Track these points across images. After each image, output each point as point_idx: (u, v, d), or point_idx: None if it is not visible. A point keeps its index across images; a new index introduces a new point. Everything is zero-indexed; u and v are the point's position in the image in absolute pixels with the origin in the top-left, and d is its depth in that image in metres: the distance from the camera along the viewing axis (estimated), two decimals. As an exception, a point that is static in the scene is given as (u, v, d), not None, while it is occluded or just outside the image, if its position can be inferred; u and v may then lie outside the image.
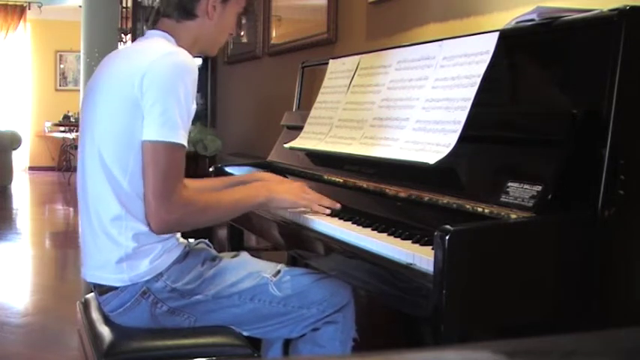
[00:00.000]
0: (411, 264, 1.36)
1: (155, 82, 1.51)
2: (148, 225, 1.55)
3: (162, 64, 1.53)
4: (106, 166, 1.55)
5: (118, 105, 1.55)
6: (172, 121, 1.51)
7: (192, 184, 1.75)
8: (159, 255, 1.57)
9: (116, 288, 1.59)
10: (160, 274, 1.58)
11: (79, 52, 8.55)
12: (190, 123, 1.57)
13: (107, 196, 1.56)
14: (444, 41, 1.73)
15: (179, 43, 1.66)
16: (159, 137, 1.51)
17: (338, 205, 1.77)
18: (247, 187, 1.80)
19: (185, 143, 1.54)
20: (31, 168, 11.00)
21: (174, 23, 1.68)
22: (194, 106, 1.58)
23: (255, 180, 1.91)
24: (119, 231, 1.55)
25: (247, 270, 1.66)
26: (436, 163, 1.52)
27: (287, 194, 1.75)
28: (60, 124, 10.17)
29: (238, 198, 1.69)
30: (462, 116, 1.53)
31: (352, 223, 1.67)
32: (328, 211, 1.74)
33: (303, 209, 1.80)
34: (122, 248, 1.56)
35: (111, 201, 1.55)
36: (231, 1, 1.73)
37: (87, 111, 1.64)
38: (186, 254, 1.64)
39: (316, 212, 1.75)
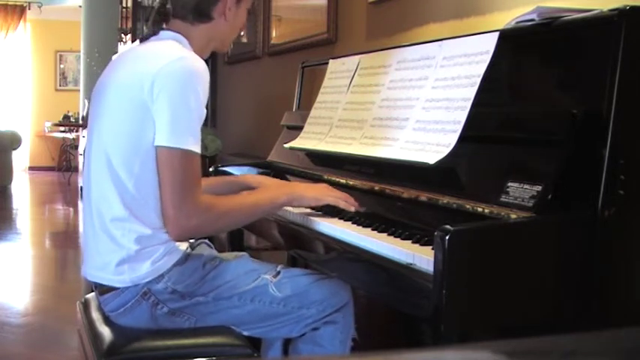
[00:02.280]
0: (411, 264, 1.36)
1: (166, 87, 1.50)
2: (167, 232, 1.55)
3: (173, 70, 1.52)
4: (112, 168, 1.55)
5: (126, 107, 1.54)
6: (184, 128, 1.51)
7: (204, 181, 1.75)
8: (160, 257, 1.57)
9: (117, 288, 1.59)
10: (161, 276, 1.58)
11: (79, 52, 8.57)
12: (200, 128, 1.56)
13: (111, 197, 1.55)
14: (444, 41, 1.73)
15: (192, 45, 1.66)
16: (173, 144, 1.51)
17: (362, 209, 1.74)
18: (265, 189, 1.80)
19: (198, 150, 1.54)
20: (31, 168, 11.01)
21: (188, 25, 1.67)
22: (204, 111, 1.58)
23: (256, 182, 1.90)
24: (122, 233, 1.55)
25: (247, 271, 1.66)
26: (436, 163, 1.52)
27: (310, 192, 1.75)
28: (60, 124, 10.17)
29: (257, 201, 1.68)
30: (462, 116, 1.53)
31: (352, 223, 1.67)
32: (353, 209, 1.72)
33: (303, 210, 1.80)
34: (124, 250, 1.55)
35: (115, 202, 1.55)
36: (243, 0, 1.73)
37: (95, 110, 1.64)
38: (187, 256, 1.64)
39: (345, 207, 1.72)
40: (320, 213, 1.80)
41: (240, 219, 1.70)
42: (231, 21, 1.71)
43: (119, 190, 1.55)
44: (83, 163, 1.68)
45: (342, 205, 1.73)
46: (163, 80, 1.51)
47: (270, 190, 1.77)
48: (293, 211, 1.83)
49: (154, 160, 1.53)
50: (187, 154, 1.52)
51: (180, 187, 1.52)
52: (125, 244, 1.55)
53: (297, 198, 1.73)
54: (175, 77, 1.52)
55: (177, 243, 1.62)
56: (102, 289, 1.63)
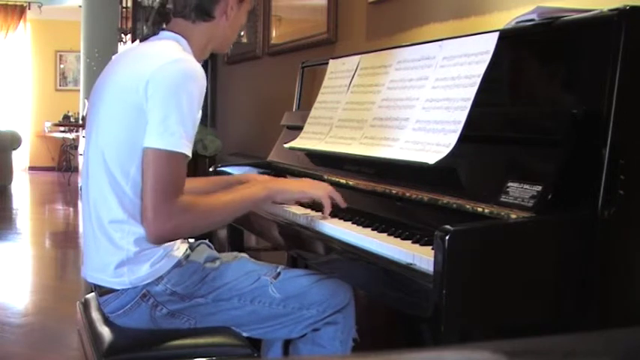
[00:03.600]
0: (411, 264, 1.36)
1: (159, 88, 1.49)
2: (145, 234, 1.52)
3: (168, 71, 1.50)
4: (109, 170, 1.54)
5: (122, 109, 1.53)
6: (173, 129, 1.48)
7: (196, 182, 1.74)
8: (160, 258, 1.57)
9: (116, 290, 1.59)
10: (161, 278, 1.57)
11: (79, 52, 8.57)
12: (195, 131, 1.55)
13: (109, 199, 1.54)
14: (444, 41, 1.73)
15: (192, 45, 1.65)
16: (159, 145, 1.48)
17: (344, 204, 1.74)
18: (244, 186, 1.76)
19: (187, 152, 1.51)
20: (31, 168, 11.01)
21: (189, 24, 1.66)
22: (199, 114, 1.56)
23: (245, 179, 1.89)
24: (121, 235, 1.54)
25: (247, 272, 1.66)
26: (436, 163, 1.52)
27: (295, 186, 1.74)
28: (60, 124, 10.17)
29: (238, 198, 1.65)
30: (462, 116, 1.53)
31: (352, 223, 1.67)
32: (328, 213, 1.71)
33: (303, 211, 1.80)
34: (123, 252, 1.55)
35: (113, 205, 1.54)
36: (246, 0, 1.73)
37: (93, 111, 1.63)
38: (187, 257, 1.63)
39: (326, 207, 1.71)
40: (320, 214, 1.79)
41: (220, 218, 1.66)
42: (232, 21, 1.70)
43: (116, 193, 1.54)
44: (82, 163, 1.67)
45: (325, 203, 1.70)
46: (157, 82, 1.49)
47: (251, 186, 1.73)
48: (293, 212, 1.83)
49: None
50: (176, 156, 1.49)
51: (162, 189, 1.49)
52: (124, 246, 1.54)
53: (279, 192, 1.71)
54: (169, 79, 1.50)
55: (176, 244, 1.62)
56: (101, 291, 1.63)
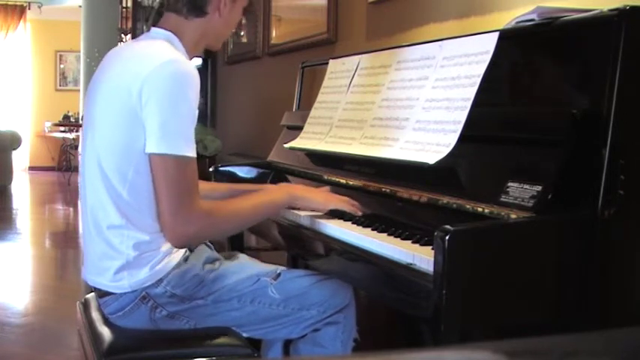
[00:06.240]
0: (411, 264, 1.36)
1: (155, 93, 1.47)
2: (166, 240, 1.53)
3: (163, 74, 1.48)
4: (105, 175, 1.53)
5: (116, 112, 1.51)
6: (176, 133, 1.48)
7: (203, 186, 1.74)
8: (159, 261, 1.56)
9: (115, 292, 1.58)
10: (160, 280, 1.57)
11: (79, 52, 8.57)
12: (193, 130, 1.54)
13: (106, 204, 1.53)
14: (444, 41, 1.73)
15: (184, 42, 1.63)
16: (163, 150, 1.47)
17: (367, 211, 1.74)
18: (264, 191, 1.77)
19: (192, 154, 1.50)
20: (31, 168, 11.00)
21: (182, 20, 1.63)
22: (196, 114, 1.55)
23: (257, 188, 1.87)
24: (121, 240, 1.53)
25: (247, 273, 1.65)
26: (436, 163, 1.52)
27: (316, 196, 1.75)
28: (60, 124, 10.18)
29: (258, 203, 1.65)
30: (462, 116, 1.53)
31: (352, 223, 1.67)
32: (360, 213, 1.71)
33: (305, 212, 1.80)
34: (123, 256, 1.54)
35: (110, 210, 1.53)
36: None
37: (88, 114, 1.62)
38: (186, 259, 1.63)
39: (350, 210, 1.72)
40: (320, 214, 1.79)
41: (241, 223, 1.68)
42: (225, 17, 1.67)
43: (113, 198, 1.53)
44: (80, 166, 1.67)
45: (347, 208, 1.72)
46: (152, 85, 1.47)
47: (270, 192, 1.75)
48: (294, 212, 1.83)
49: (147, 166, 1.50)
50: (181, 159, 1.48)
51: (177, 194, 1.48)
52: (124, 251, 1.54)
53: (300, 198, 1.72)
54: (164, 82, 1.48)
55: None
56: (100, 292, 1.62)
